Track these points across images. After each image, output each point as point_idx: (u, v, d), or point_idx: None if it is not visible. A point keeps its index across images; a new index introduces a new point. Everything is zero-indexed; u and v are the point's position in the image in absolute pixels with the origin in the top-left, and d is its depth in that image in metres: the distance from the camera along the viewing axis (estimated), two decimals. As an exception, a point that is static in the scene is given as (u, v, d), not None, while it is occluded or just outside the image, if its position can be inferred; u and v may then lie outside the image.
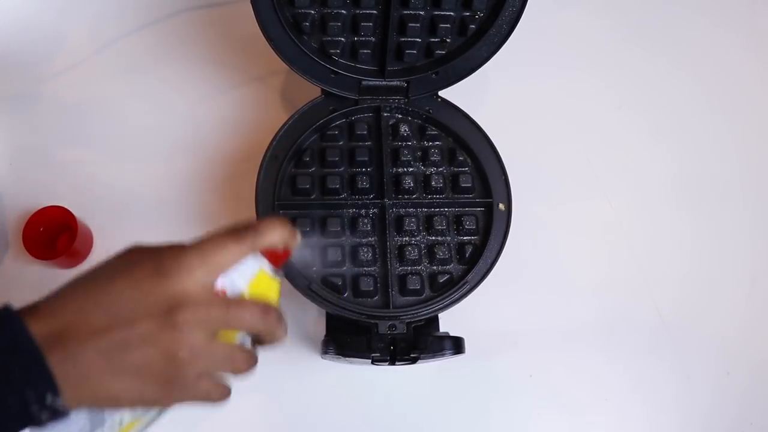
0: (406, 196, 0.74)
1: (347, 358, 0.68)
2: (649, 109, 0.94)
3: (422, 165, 0.76)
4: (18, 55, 0.87)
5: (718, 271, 0.86)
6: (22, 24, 0.89)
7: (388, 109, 0.77)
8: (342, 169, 0.75)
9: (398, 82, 0.75)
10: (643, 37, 0.99)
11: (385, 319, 0.68)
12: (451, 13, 0.71)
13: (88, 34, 0.89)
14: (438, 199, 0.74)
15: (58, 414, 0.41)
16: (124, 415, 0.46)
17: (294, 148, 0.74)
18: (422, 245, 0.73)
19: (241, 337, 0.48)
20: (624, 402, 0.79)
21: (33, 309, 0.42)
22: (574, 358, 0.80)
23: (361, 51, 0.73)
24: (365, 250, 0.71)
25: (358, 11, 0.71)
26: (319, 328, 0.75)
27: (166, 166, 0.83)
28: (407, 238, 0.73)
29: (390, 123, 0.77)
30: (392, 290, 0.70)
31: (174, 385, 0.44)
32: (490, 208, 0.74)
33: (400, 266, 0.72)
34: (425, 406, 0.75)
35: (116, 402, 0.43)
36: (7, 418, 0.40)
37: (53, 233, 0.76)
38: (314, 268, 0.70)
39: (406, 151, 0.75)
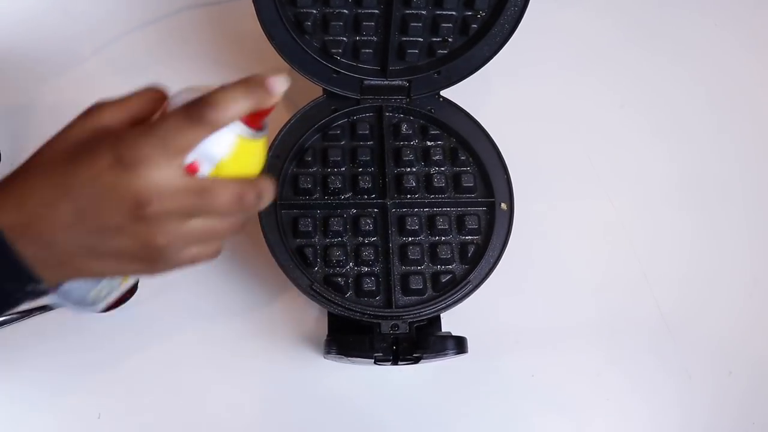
0: (408, 196, 0.74)
1: (350, 359, 0.67)
2: (651, 109, 0.94)
3: (424, 165, 0.76)
4: (18, 54, 0.87)
5: (720, 271, 0.86)
6: (21, 24, 0.88)
7: (389, 108, 0.77)
8: (344, 168, 0.74)
9: (400, 82, 0.75)
10: (645, 37, 0.99)
11: (387, 319, 0.68)
12: (453, 13, 0.71)
13: (88, 32, 0.89)
14: (440, 198, 0.74)
15: (44, 292, 0.42)
16: None
17: (296, 147, 0.74)
18: (424, 245, 0.73)
19: None
20: (626, 402, 0.79)
21: (6, 192, 0.42)
22: (575, 358, 0.80)
23: (363, 50, 0.73)
24: (367, 249, 0.71)
25: (360, 11, 0.70)
26: (321, 328, 0.75)
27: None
28: (409, 238, 0.73)
29: (392, 123, 0.77)
30: (395, 290, 0.70)
31: (157, 263, 0.44)
32: (492, 208, 0.74)
33: (402, 266, 0.72)
34: (427, 406, 0.75)
35: (101, 276, 0.45)
36: None
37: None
38: None
39: (408, 151, 0.75)
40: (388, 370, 0.74)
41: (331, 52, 0.73)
